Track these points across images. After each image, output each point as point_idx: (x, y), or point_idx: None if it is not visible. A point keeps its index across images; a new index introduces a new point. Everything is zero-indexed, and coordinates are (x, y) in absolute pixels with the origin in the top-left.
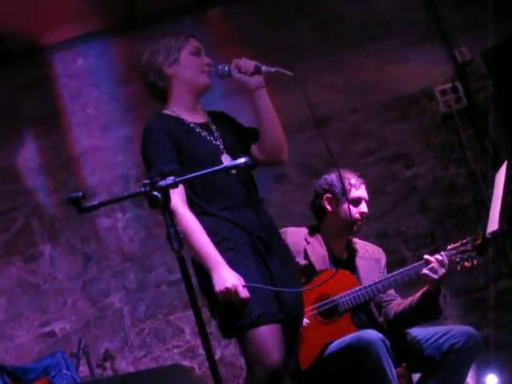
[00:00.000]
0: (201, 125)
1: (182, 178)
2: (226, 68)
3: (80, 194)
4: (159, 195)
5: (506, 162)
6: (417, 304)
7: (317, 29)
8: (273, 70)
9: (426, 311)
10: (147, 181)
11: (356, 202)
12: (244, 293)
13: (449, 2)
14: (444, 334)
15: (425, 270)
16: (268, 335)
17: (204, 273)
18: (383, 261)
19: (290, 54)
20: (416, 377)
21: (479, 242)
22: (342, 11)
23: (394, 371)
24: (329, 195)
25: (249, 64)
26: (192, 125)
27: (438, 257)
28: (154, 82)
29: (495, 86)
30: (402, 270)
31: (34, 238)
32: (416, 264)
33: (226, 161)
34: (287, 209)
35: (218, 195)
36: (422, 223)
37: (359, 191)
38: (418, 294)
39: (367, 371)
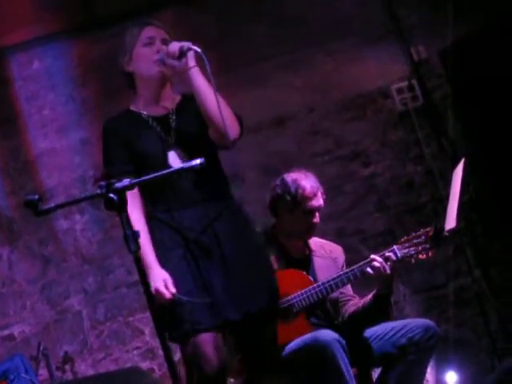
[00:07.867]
0: (158, 118)
1: (137, 180)
2: (162, 57)
3: (36, 196)
4: (115, 197)
5: (463, 160)
6: (369, 305)
7: (275, 28)
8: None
9: (377, 312)
10: (103, 183)
11: (309, 213)
12: (168, 293)
13: (406, 1)
14: (401, 329)
15: (368, 269)
16: (204, 344)
17: None
18: (341, 260)
19: (249, 53)
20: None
21: (432, 233)
22: (299, 10)
23: (351, 371)
24: (281, 200)
25: (174, 47)
26: (149, 119)
27: (387, 255)
28: (124, 82)
29: (452, 85)
30: (353, 267)
31: None
32: (363, 262)
33: (172, 158)
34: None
35: (161, 196)
36: (381, 221)
37: (314, 201)
38: (370, 295)
39: (323, 372)
